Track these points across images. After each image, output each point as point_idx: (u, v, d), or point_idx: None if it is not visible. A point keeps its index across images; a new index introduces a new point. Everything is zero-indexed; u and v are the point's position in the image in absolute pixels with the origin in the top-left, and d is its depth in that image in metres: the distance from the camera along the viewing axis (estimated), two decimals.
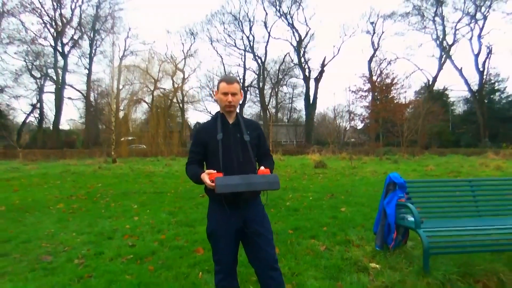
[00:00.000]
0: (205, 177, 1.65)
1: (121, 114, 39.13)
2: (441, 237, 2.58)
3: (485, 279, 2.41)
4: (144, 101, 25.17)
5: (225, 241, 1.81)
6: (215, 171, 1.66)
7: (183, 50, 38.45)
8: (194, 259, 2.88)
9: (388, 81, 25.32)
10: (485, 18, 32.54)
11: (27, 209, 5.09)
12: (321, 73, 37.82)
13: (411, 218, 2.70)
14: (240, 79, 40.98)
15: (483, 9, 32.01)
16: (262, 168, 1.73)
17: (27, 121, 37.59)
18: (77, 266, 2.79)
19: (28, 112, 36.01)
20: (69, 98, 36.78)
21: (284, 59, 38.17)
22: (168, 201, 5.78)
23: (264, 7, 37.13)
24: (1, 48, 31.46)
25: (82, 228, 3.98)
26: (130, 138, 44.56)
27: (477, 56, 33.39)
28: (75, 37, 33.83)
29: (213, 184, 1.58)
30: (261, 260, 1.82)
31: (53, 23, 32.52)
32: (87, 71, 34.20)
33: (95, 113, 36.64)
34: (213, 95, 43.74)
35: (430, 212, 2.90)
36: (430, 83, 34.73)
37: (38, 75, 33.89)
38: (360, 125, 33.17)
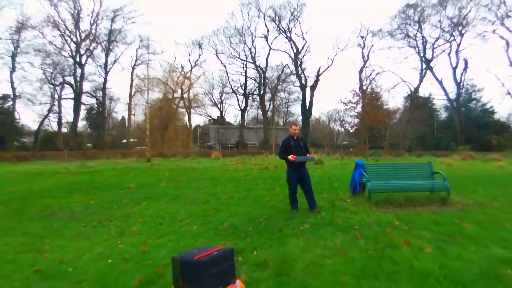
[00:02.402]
0: (290, 157, 5.07)
1: (135, 118, 42.22)
2: (377, 186, 6.01)
3: (394, 203, 5.86)
4: (162, 108, 28.39)
5: (294, 181, 5.24)
6: (293, 155, 5.09)
7: (189, 60, 41.74)
8: (265, 199, 6.27)
9: (376, 92, 29.15)
10: (461, 35, 36.75)
11: (147, 185, 8.40)
12: (316, 81, 41.51)
13: (365, 179, 6.15)
14: (241, 86, 44.46)
15: (460, 27, 36.20)
16: (308, 154, 5.18)
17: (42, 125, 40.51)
18: (215, 202, 6.15)
19: (43, 117, 39.02)
20: (82, 103, 39.82)
21: (283, 70, 41.75)
22: (224, 182, 9.11)
23: (265, 24, 40.64)
24: (22, 57, 34.49)
25: (195, 192, 7.31)
26: (131, 140, 47.63)
27: (455, 69, 37.54)
28: (91, 48, 36.98)
29: (294, 159, 5.01)
30: (306, 187, 5.27)
31: (72, 36, 35.62)
32: (102, 80, 37.36)
33: (107, 117, 39.72)
34: (213, 100, 47.34)
35: (374, 176, 6.34)
36: (412, 93, 38.64)
37: (56, 82, 36.95)
38: (351, 130, 37.00)
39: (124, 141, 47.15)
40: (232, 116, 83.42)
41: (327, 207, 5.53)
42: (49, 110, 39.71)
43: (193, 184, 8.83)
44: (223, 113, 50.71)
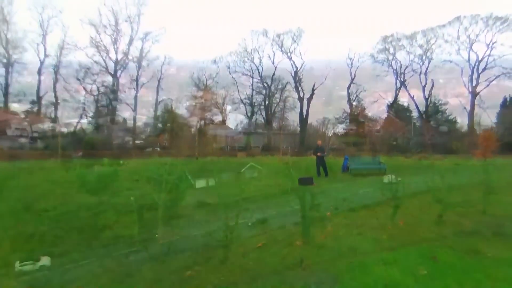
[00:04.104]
0: (318, 153, 12.76)
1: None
2: (354, 167, 13.66)
3: (362, 174, 13.52)
4: (196, 117, 35.67)
5: (318, 164, 12.98)
6: (319, 152, 12.79)
7: (204, 74, 49.04)
8: (304, 172, 13.85)
9: (361, 104, 37.35)
10: (429, 60, 45.54)
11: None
12: (312, 95, 49.44)
13: (348, 164, 13.84)
14: (248, 97, 52.06)
15: (428, 53, 45.09)
16: (325, 153, 12.91)
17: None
18: (286, 171, 13.69)
19: (77, 122, 45.73)
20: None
21: (285, 86, 49.69)
22: (273, 167, 16.54)
23: (272, 49, 48.84)
24: (62, 69, 41.34)
25: (270, 169, 14.75)
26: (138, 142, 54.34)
27: (424, 87, 46.26)
28: (125, 64, 43.88)
29: (320, 154, 12.70)
30: (324, 167, 12.99)
31: (111, 55, 42.54)
32: (134, 92, 44.42)
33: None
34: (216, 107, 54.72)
35: (353, 163, 14.02)
36: (389, 108, 47.17)
37: (94, 93, 43.77)
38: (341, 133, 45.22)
39: (137, 142, 54.03)
40: (231, 121, 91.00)
41: (332, 175, 13.13)
42: (81, 116, 46.39)
43: (263, 167, 16.21)
44: (225, 118, 58.22)
